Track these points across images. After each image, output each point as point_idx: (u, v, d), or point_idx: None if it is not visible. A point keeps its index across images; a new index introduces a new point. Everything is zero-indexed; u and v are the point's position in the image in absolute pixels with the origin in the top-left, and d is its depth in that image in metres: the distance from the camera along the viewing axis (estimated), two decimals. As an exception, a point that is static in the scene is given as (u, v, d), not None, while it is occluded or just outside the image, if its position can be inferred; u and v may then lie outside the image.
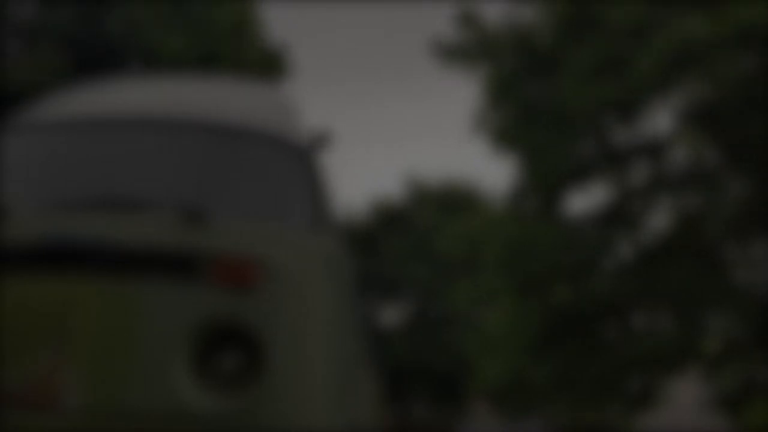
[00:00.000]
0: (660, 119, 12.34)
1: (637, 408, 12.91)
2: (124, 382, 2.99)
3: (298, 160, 3.62)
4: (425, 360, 23.35)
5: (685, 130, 12.11)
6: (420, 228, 24.64)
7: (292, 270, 3.16)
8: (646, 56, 10.70)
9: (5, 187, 3.37)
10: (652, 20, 10.98)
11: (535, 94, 12.47)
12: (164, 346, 3.00)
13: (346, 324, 3.61)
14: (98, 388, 2.97)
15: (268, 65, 14.63)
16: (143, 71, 12.58)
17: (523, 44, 12.58)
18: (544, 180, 12.38)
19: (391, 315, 25.41)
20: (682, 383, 13.70)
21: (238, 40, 14.15)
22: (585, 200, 13.03)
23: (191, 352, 3.01)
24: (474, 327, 14.76)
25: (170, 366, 2.99)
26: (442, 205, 24.50)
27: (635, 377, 12.73)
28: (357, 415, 3.89)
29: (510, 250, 12.22)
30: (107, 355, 3.00)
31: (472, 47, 12.82)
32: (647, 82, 10.89)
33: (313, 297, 3.20)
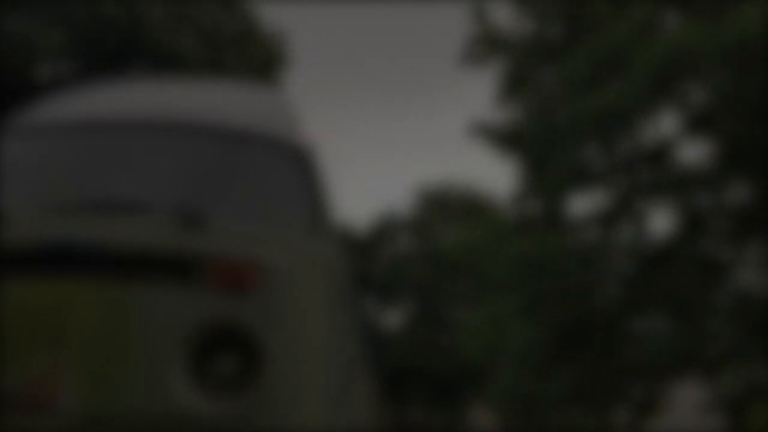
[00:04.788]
0: (662, 124, 12.33)
1: (642, 414, 12.91)
2: (121, 385, 2.99)
3: (296, 164, 3.62)
4: (424, 363, 23.32)
5: (687, 134, 12.09)
6: (425, 232, 24.58)
7: (289, 273, 3.16)
8: (639, 63, 10.64)
9: (5, 189, 3.38)
10: (653, 23, 10.93)
11: (546, 89, 12.47)
12: (162, 349, 3.01)
13: (343, 326, 3.61)
14: (96, 390, 2.97)
15: (267, 63, 14.62)
16: (149, 72, 12.55)
17: (533, 41, 12.64)
18: (547, 186, 12.35)
19: (391, 318, 25.40)
20: (683, 386, 13.69)
21: (242, 48, 14.15)
22: (588, 202, 13.01)
23: (188, 354, 3.02)
24: (473, 331, 14.70)
25: (168, 368, 2.99)
26: (457, 215, 24.30)
27: (640, 384, 12.72)
28: (354, 417, 3.90)
29: (519, 270, 12.16)
30: (105, 357, 3.00)
31: (484, 45, 12.91)
32: (641, 89, 10.84)
33: (310, 300, 3.20)
